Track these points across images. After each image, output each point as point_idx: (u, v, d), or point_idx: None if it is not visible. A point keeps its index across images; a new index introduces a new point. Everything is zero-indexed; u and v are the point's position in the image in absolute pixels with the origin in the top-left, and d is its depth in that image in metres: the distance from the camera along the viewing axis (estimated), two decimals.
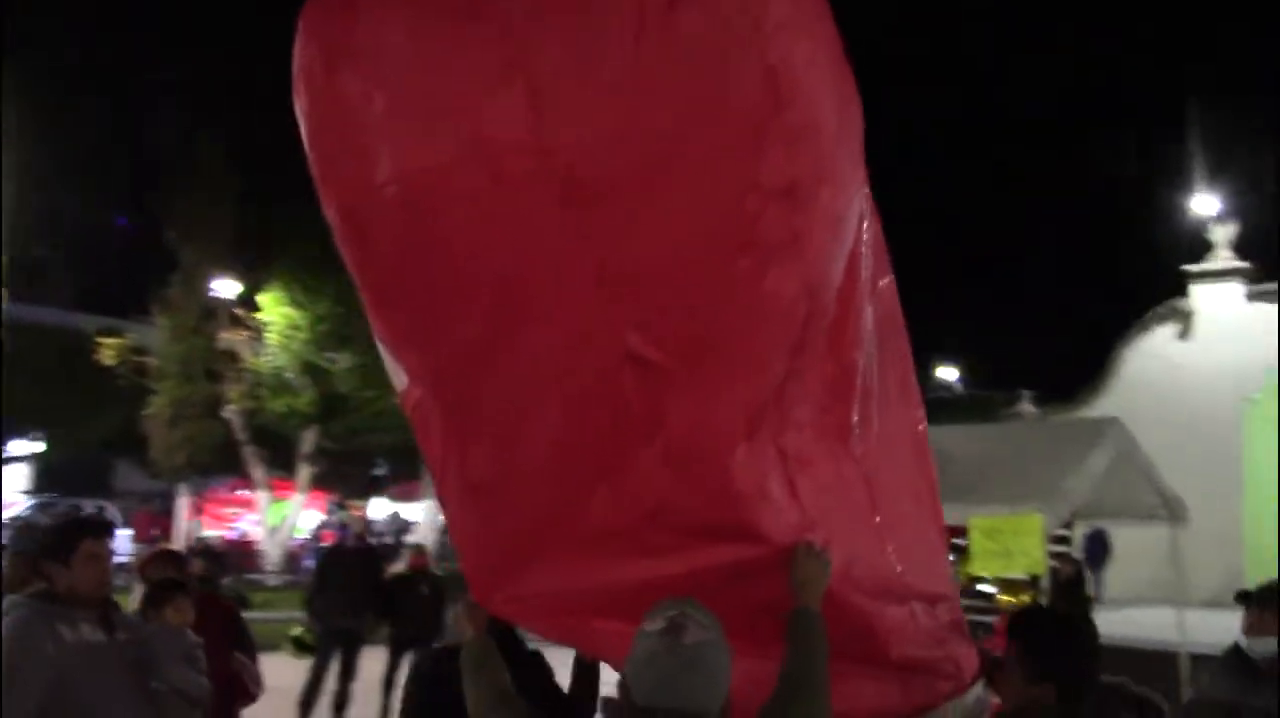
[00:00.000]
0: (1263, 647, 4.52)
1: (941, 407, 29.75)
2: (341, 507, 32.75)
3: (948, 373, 39.97)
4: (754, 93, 2.54)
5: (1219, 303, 21.63)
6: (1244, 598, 4.80)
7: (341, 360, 25.01)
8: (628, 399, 2.64)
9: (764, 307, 2.69)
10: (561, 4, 2.50)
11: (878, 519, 3.06)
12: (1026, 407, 24.88)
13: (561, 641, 2.98)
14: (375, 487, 37.62)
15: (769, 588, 2.70)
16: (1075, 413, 21.79)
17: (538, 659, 3.36)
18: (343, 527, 17.95)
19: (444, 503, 3.06)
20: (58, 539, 3.95)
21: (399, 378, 2.96)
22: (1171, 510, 9.96)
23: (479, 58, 2.49)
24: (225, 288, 25.77)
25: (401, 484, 35.26)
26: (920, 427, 3.49)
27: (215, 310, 26.11)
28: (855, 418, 3.00)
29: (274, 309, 25.41)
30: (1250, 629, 4.63)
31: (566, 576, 2.86)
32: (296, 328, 25.23)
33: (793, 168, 2.61)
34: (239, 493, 30.83)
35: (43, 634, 3.71)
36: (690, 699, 2.16)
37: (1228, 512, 18.15)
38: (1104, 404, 21.17)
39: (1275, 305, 19.68)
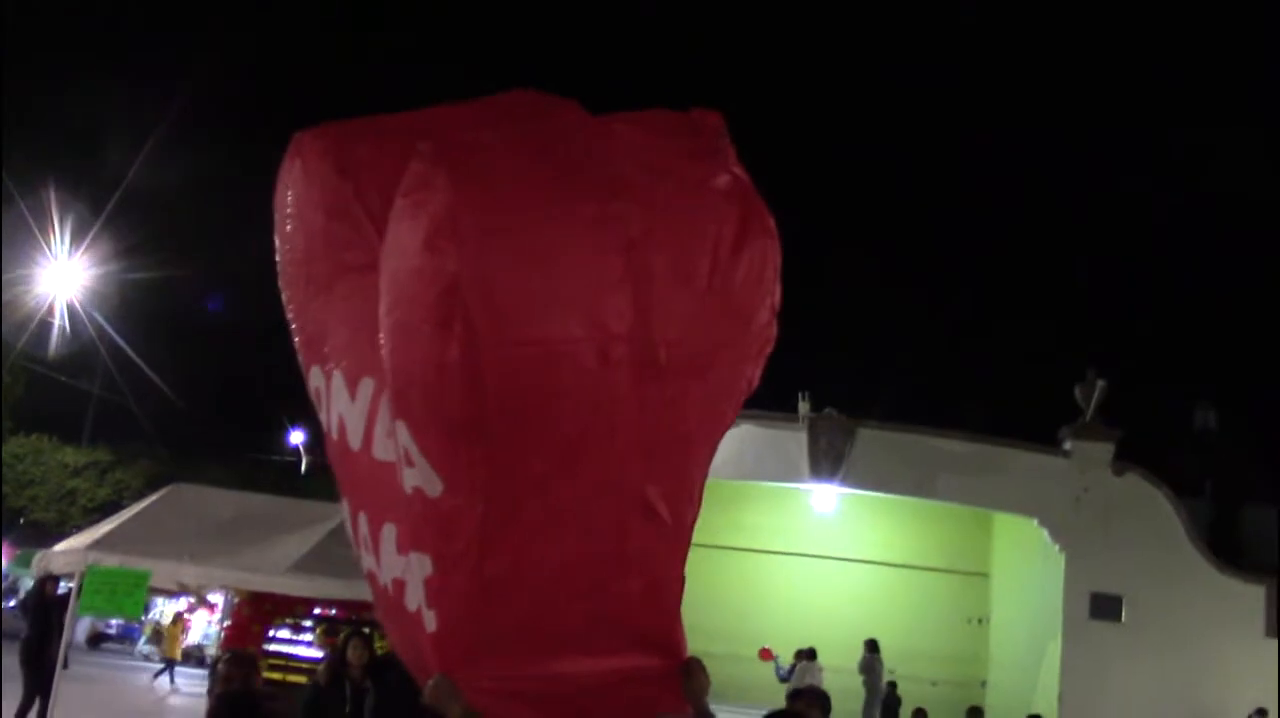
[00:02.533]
0: None
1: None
2: None
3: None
4: (764, 324, 3.71)
5: None
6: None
7: None
8: (632, 542, 3.56)
9: (705, 472, 3.81)
10: (666, 238, 3.41)
11: None
12: None
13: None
14: None
15: (655, 690, 3.67)
16: None
17: None
18: None
19: (442, 592, 3.54)
20: None
21: (433, 484, 3.44)
22: None
23: (603, 263, 3.34)
24: None
25: None
26: None
27: None
28: None
29: None
30: None
31: (527, 663, 3.56)
32: None
33: (757, 381, 3.85)
34: None
35: None
36: None
37: None
38: None
39: None
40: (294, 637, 13.91)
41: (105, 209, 28.01)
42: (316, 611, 13.43)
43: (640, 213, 3.36)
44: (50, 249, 26.53)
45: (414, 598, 3.59)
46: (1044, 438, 22.68)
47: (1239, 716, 19.15)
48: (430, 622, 3.54)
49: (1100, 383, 21.79)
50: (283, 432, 41.48)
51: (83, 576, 11.34)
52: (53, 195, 26.61)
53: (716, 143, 3.64)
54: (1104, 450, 21.61)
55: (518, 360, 3.27)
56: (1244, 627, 20.82)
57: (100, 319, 29.59)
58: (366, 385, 3.71)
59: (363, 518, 3.91)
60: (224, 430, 40.21)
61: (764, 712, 6.11)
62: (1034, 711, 15.76)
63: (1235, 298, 49.10)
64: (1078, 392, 22.06)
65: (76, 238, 27.17)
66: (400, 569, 3.67)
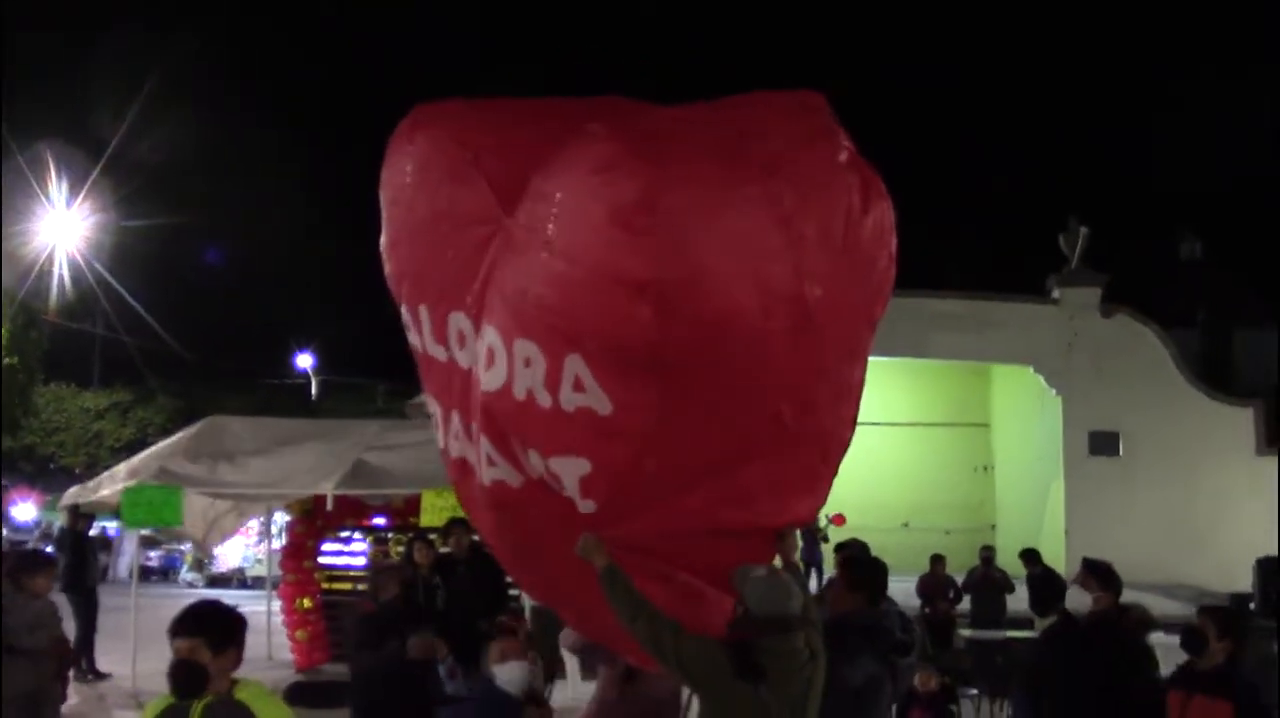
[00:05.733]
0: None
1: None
2: None
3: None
4: (885, 270, 4.40)
5: None
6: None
7: None
8: (764, 442, 4.25)
9: (842, 393, 4.46)
10: (813, 209, 4.00)
11: None
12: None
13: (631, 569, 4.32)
14: None
15: (754, 547, 4.40)
16: None
17: None
18: None
19: (600, 485, 4.32)
20: None
21: (603, 405, 4.13)
22: None
23: (767, 236, 3.92)
24: None
25: None
26: None
27: None
28: None
29: None
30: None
31: (659, 527, 4.35)
32: None
33: (880, 314, 4.55)
34: None
35: None
36: (789, 607, 4.06)
37: None
38: None
39: None
40: (343, 549, 14.61)
41: (102, 159, 28.29)
42: (363, 522, 14.17)
43: (791, 189, 3.95)
44: (49, 199, 26.90)
45: (571, 488, 4.38)
46: (1033, 288, 23.45)
47: (1236, 533, 20.07)
48: (587, 507, 4.37)
49: (1083, 230, 22.42)
50: (284, 359, 42.47)
51: (117, 506, 11.81)
52: (50, 148, 26.91)
53: (829, 122, 4.30)
54: (1091, 295, 22.41)
55: (696, 321, 3.91)
56: (1237, 448, 21.80)
57: (99, 267, 30.06)
58: (487, 327, 4.39)
59: (474, 427, 4.67)
60: (232, 362, 41.15)
61: None
62: (1042, 547, 16.57)
63: (1208, 125, 49.46)
64: (1062, 240, 22.72)
65: (75, 188, 27.53)
66: (504, 468, 4.57)
